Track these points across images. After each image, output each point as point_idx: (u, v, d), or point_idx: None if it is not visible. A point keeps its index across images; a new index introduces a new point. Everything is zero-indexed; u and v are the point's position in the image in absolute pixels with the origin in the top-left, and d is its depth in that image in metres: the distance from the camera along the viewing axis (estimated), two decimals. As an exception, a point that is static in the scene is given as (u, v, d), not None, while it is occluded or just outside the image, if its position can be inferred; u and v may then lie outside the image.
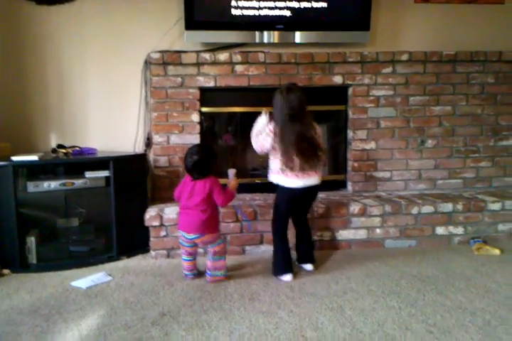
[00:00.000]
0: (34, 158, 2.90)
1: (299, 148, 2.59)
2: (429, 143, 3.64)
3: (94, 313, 2.27)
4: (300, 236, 2.89)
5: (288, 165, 2.61)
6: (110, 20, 3.44)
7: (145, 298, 2.44)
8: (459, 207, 3.23)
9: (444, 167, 3.68)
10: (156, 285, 2.60)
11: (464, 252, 3.10)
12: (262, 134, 2.70)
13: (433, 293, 2.46)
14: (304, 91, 2.67)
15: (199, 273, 2.74)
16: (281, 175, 2.67)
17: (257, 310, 2.29)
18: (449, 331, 2.06)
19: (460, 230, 3.27)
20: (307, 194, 2.74)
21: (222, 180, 2.72)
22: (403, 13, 3.72)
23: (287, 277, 2.67)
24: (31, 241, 2.90)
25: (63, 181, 2.95)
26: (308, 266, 2.81)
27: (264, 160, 3.65)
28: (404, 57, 3.51)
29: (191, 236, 2.60)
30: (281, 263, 2.72)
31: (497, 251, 3.05)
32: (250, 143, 3.65)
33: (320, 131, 2.76)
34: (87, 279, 2.69)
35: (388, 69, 3.56)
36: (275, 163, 2.69)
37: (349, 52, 3.47)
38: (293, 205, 2.77)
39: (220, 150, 3.64)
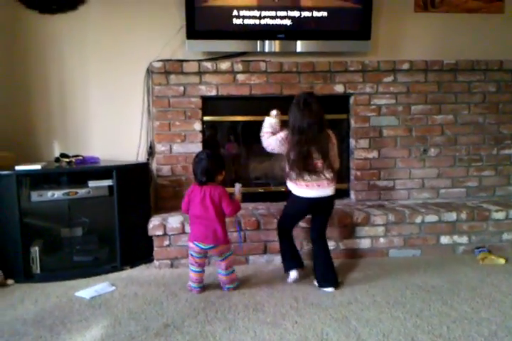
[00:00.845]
0: (37, 167, 2.90)
1: (310, 162, 2.63)
2: (432, 151, 3.64)
3: (98, 324, 2.27)
4: (317, 257, 2.78)
5: (299, 174, 2.63)
6: (112, 29, 3.45)
7: (149, 309, 2.43)
8: (463, 216, 3.23)
9: (447, 176, 3.68)
10: (160, 296, 2.59)
11: (469, 262, 3.09)
12: (273, 139, 2.72)
13: (438, 304, 2.45)
14: (320, 100, 2.68)
15: (205, 287, 2.68)
16: (293, 184, 2.69)
17: (262, 320, 2.28)
18: (455, 342, 2.05)
19: (464, 239, 3.26)
20: (319, 205, 2.72)
21: (233, 189, 2.80)
22: (403, 22, 3.72)
23: (292, 273, 2.74)
24: (35, 251, 2.89)
25: (67, 190, 2.95)
26: (329, 289, 2.65)
27: (267, 169, 3.67)
28: (405, 66, 3.52)
29: (207, 246, 2.59)
30: (286, 261, 2.79)
31: (502, 261, 3.04)
32: (253, 152, 3.69)
33: (335, 141, 2.76)
34: (90, 289, 2.68)
35: (389, 78, 3.56)
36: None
37: (350, 61, 3.48)
38: (301, 215, 2.81)
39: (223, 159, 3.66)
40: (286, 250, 2.81)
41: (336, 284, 2.67)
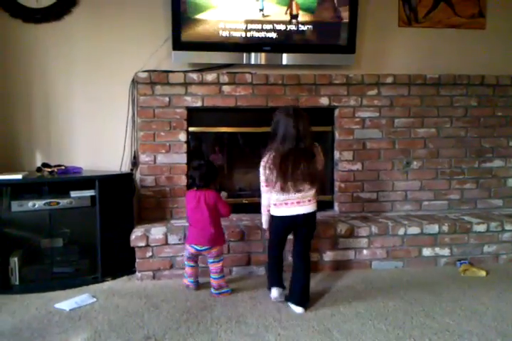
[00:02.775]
0: (18, 176, 2.87)
1: (297, 174, 2.53)
2: (415, 164, 3.68)
3: (78, 336, 2.22)
4: (295, 279, 2.62)
5: (283, 189, 2.56)
6: (98, 39, 3.44)
7: (130, 321, 2.39)
8: (445, 228, 3.25)
9: (430, 188, 3.71)
10: (142, 308, 2.56)
11: (451, 274, 3.11)
12: (262, 172, 2.64)
13: (420, 315, 2.46)
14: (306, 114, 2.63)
15: (199, 284, 2.85)
16: (273, 206, 2.64)
17: (244, 333, 2.26)
18: (437, 354, 2.06)
19: (446, 251, 3.28)
20: (299, 221, 2.61)
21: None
22: (387, 37, 3.78)
23: (273, 292, 2.63)
24: (14, 261, 2.85)
25: (48, 200, 2.91)
26: (298, 309, 2.52)
27: (252, 181, 3.68)
28: (389, 79, 3.56)
29: (203, 248, 2.73)
30: (270, 278, 2.72)
31: (483, 273, 3.06)
32: (237, 163, 3.70)
33: (321, 155, 2.68)
34: (70, 301, 2.63)
35: (373, 92, 3.60)
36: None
37: (335, 75, 3.51)
38: (285, 234, 2.71)
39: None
40: (272, 270, 2.71)
41: (305, 306, 2.54)
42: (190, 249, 2.76)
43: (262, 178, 2.66)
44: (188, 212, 2.80)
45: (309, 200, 2.61)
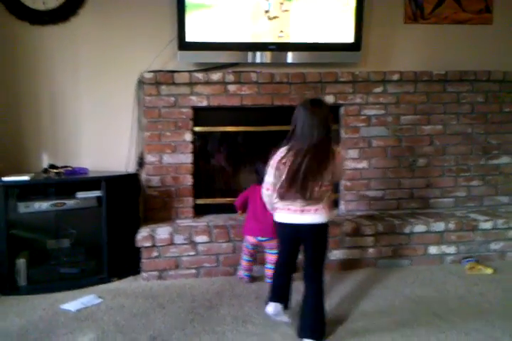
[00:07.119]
0: (25, 178, 2.89)
1: (306, 175, 2.17)
2: (421, 162, 3.66)
3: (84, 337, 2.24)
4: (305, 302, 2.26)
5: (291, 191, 2.19)
6: (104, 39, 3.45)
7: (136, 321, 2.41)
8: (451, 226, 3.23)
9: (436, 186, 3.69)
10: (148, 308, 2.57)
11: (457, 271, 3.09)
12: (270, 171, 2.28)
13: (427, 314, 2.45)
14: (329, 108, 2.32)
15: (254, 278, 2.96)
16: (275, 208, 2.33)
17: (251, 332, 2.27)
18: (443, 353, 2.05)
19: (452, 249, 3.26)
20: (303, 233, 2.27)
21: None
22: (393, 33, 3.75)
23: (268, 307, 2.28)
24: (21, 262, 2.87)
25: (54, 201, 2.93)
26: None
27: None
28: (395, 77, 3.54)
29: (264, 238, 2.81)
30: (269, 291, 2.35)
31: (489, 271, 3.05)
32: (243, 162, 3.70)
33: (340, 158, 2.34)
34: (77, 301, 2.65)
35: (379, 89, 3.58)
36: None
37: (340, 72, 3.49)
38: (290, 245, 2.35)
39: (213, 169, 3.69)
40: (274, 280, 2.38)
41: (320, 337, 2.19)
42: (250, 239, 2.85)
43: (269, 180, 2.31)
44: (251, 205, 2.86)
45: (316, 209, 2.23)
